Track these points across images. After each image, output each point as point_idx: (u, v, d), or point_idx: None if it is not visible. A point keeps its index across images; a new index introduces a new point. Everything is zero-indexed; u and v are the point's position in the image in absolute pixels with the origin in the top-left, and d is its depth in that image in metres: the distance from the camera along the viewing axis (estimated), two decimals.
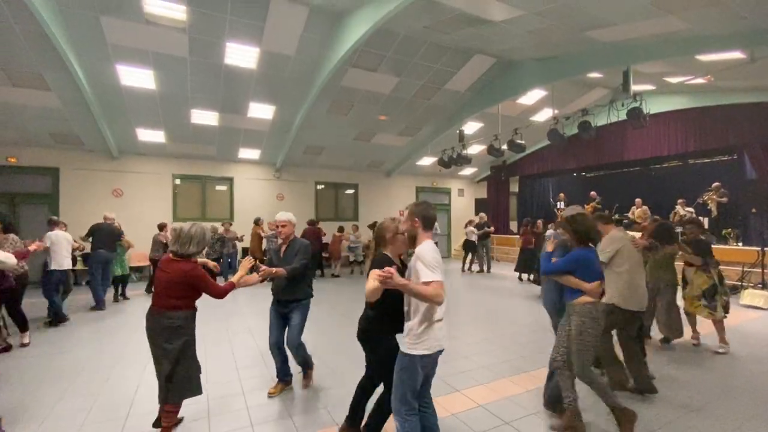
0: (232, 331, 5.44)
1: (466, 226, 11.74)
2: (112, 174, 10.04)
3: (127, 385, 3.59)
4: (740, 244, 8.78)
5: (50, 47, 5.76)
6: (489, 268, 11.39)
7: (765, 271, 7.25)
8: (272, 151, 11.14)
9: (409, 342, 2.13)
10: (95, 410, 3.14)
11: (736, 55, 6.30)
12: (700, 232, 4.81)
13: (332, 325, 5.83)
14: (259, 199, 11.97)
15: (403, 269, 2.42)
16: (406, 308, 2.24)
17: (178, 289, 2.60)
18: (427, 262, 2.07)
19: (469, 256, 11.44)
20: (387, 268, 1.93)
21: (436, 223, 2.53)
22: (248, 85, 7.90)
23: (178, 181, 11.02)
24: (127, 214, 9.42)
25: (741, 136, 8.99)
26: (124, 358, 4.31)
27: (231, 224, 10.06)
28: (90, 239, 6.90)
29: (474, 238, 11.23)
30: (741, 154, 9.60)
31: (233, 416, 3.06)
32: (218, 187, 11.64)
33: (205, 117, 8.96)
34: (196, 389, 2.69)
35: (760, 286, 7.15)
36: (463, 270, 11.36)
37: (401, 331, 2.29)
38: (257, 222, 10.05)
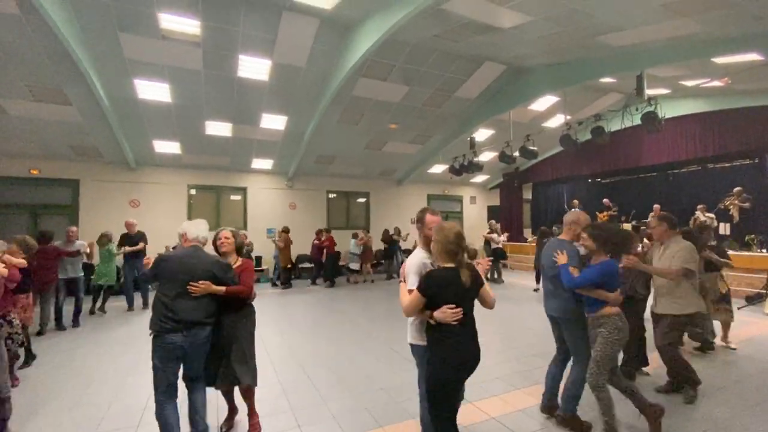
0: None
1: (489, 233, 11.39)
2: (129, 185, 10.31)
3: (140, 393, 3.62)
4: (764, 250, 8.46)
5: (71, 63, 5.99)
6: (500, 275, 11.08)
7: None
8: (284, 160, 11.29)
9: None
10: (108, 419, 3.18)
11: (753, 56, 6.14)
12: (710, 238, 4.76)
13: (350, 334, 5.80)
14: (272, 209, 12.11)
15: None
16: None
17: None
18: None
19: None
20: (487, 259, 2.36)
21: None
22: (260, 96, 8.05)
23: (193, 192, 11.23)
24: (143, 224, 9.56)
25: (762, 139, 8.72)
26: (140, 365, 4.36)
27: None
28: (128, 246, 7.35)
29: (500, 244, 11.02)
30: (762, 157, 9.32)
31: (240, 428, 3.05)
32: (232, 197, 11.82)
33: (218, 128, 9.15)
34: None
35: None
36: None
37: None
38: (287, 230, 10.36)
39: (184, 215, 10.88)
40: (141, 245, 7.46)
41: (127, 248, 7.38)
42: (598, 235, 2.75)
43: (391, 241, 11.50)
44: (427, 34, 6.65)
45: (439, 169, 13.53)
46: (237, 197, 11.87)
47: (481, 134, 11.22)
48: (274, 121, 9.15)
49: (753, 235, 8.89)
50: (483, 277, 2.20)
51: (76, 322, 6.13)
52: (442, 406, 2.10)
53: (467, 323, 2.10)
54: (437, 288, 2.06)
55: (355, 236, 11.28)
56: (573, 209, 12.59)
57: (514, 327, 6.07)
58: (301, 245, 11.41)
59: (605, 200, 12.10)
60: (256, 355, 2.96)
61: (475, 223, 15.42)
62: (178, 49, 6.50)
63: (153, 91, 7.49)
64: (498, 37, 6.57)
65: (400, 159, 12.48)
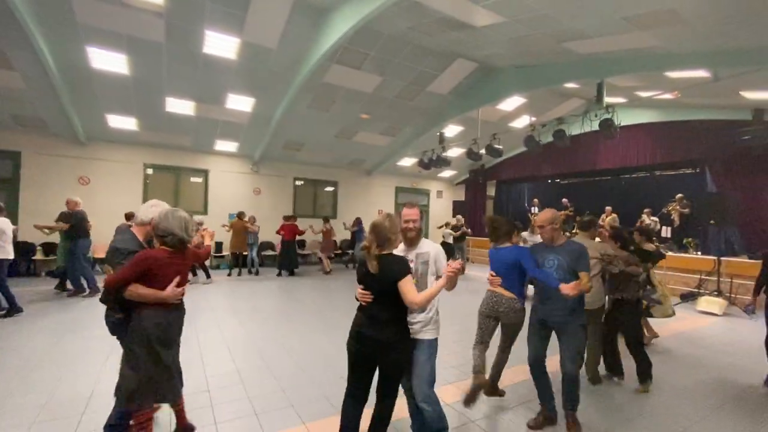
0: (199, 327, 5.31)
1: (441, 227, 11.86)
2: (78, 161, 9.60)
3: (86, 381, 3.44)
4: (699, 253, 9.25)
5: (14, 24, 5.44)
6: (463, 269, 11.48)
7: (720, 279, 7.67)
8: (250, 144, 10.93)
9: (431, 328, 2.39)
10: (49, 406, 3.00)
11: (702, 73, 6.64)
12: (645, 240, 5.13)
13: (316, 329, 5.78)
14: (235, 193, 11.72)
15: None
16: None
17: None
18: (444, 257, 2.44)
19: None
20: (460, 261, 2.19)
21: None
22: (227, 75, 7.72)
23: (149, 171, 10.64)
24: (93, 203, 9.00)
25: (704, 151, 9.48)
26: (87, 352, 4.13)
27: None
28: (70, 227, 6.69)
29: (450, 240, 11.36)
30: (703, 168, 10.12)
31: (196, 414, 2.98)
32: (193, 179, 11.32)
33: (180, 106, 8.69)
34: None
35: (715, 293, 7.56)
36: None
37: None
38: (241, 216, 9.99)
39: (139, 195, 10.30)
40: (60, 225, 6.73)
41: (48, 226, 6.77)
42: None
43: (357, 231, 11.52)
44: (402, 26, 6.63)
45: (408, 162, 13.64)
46: (198, 179, 11.37)
47: (451, 130, 11.39)
48: (240, 102, 8.81)
49: (690, 239, 9.69)
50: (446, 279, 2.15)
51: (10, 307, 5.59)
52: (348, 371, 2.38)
53: (368, 307, 2.26)
54: (358, 267, 2.38)
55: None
56: (534, 209, 13.16)
57: (471, 319, 6.30)
58: (266, 232, 11.17)
59: (564, 200, 12.72)
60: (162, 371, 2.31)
61: (441, 216, 15.73)
62: (139, 17, 6.08)
63: (108, 60, 6.97)
64: (471, 35, 6.67)
65: (370, 150, 12.45)
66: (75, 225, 6.74)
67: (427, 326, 2.38)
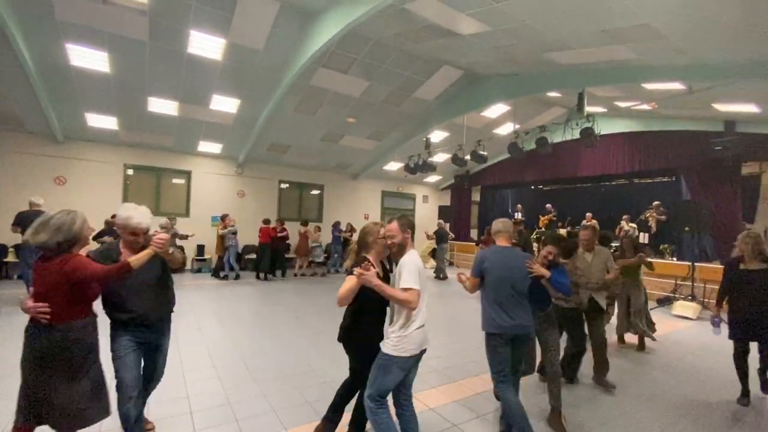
0: (179, 331, 5.19)
1: (429, 238, 11.84)
2: (55, 159, 9.30)
3: None
4: (674, 258, 9.56)
5: None
6: (444, 274, 11.50)
7: (695, 284, 7.93)
8: (235, 145, 10.80)
9: (390, 344, 2.30)
10: None
11: (677, 86, 6.90)
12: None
13: (293, 328, 5.72)
14: (218, 195, 11.54)
15: (385, 274, 2.60)
16: (390, 313, 2.43)
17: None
18: (410, 270, 2.28)
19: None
20: (366, 264, 2.18)
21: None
22: (212, 76, 7.63)
23: (130, 172, 10.40)
24: (69, 204, 8.62)
25: (679, 160, 9.82)
26: None
27: (174, 218, 9.02)
28: (19, 229, 6.28)
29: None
30: (679, 176, 10.48)
31: (175, 421, 2.92)
32: (175, 181, 11.10)
33: (163, 106, 8.53)
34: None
35: (690, 298, 7.80)
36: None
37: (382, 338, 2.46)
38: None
39: (118, 196, 10.04)
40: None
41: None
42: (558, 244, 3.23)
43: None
44: (389, 32, 6.68)
45: (394, 166, 13.70)
46: (180, 181, 11.16)
47: (437, 135, 11.51)
48: (225, 104, 8.71)
49: (666, 245, 10.01)
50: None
51: None
52: None
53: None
54: None
55: (317, 229, 11.10)
56: (518, 214, 13.37)
57: (455, 322, 6.35)
58: (249, 235, 11.03)
59: (548, 205, 13.01)
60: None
61: (427, 221, 15.82)
62: (121, 15, 5.96)
63: (88, 58, 6.80)
64: (457, 43, 6.77)
65: (356, 153, 12.45)
66: (21, 227, 6.04)
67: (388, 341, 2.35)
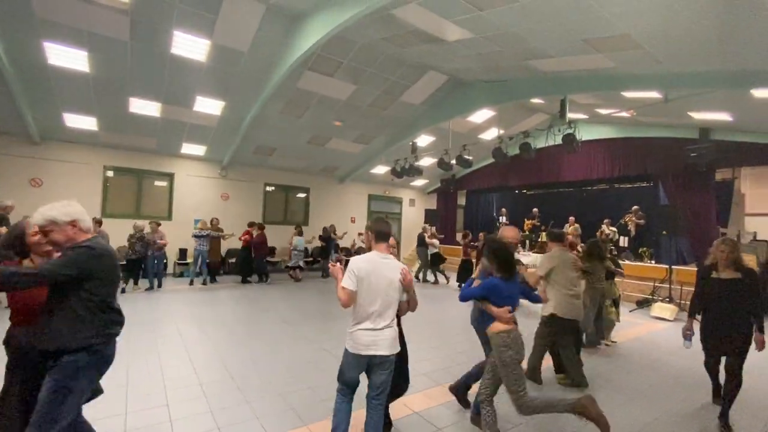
0: (160, 339, 5.08)
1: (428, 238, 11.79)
2: (30, 161, 9.00)
3: None
4: (653, 261, 9.83)
5: None
6: (425, 278, 11.56)
7: (672, 286, 8.17)
8: (219, 148, 10.64)
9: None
10: None
11: (654, 94, 7.13)
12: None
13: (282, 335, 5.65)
14: (201, 198, 11.35)
15: None
16: None
17: None
18: (348, 269, 2.41)
19: (418, 268, 11.62)
20: (337, 256, 2.22)
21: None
22: (196, 77, 7.52)
23: (110, 174, 10.14)
24: None
25: (656, 166, 10.13)
26: None
27: (159, 224, 8.99)
28: None
29: (436, 249, 11.42)
30: (656, 182, 10.80)
31: (155, 430, 2.85)
32: (157, 183, 10.88)
33: (145, 107, 8.35)
34: None
35: (667, 300, 8.03)
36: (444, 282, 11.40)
37: None
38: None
39: (98, 199, 9.79)
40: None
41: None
42: (488, 253, 2.77)
43: (328, 239, 11.43)
44: (375, 36, 6.72)
45: (381, 170, 13.72)
46: (162, 183, 10.94)
47: (423, 140, 11.58)
48: (209, 105, 8.58)
49: (645, 248, 10.29)
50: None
51: None
52: None
53: None
54: None
55: (300, 233, 10.90)
56: (503, 218, 13.55)
57: (440, 326, 6.38)
58: (234, 238, 10.86)
59: (534, 210, 13.24)
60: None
61: (414, 224, 15.88)
62: (102, 14, 5.82)
63: (67, 57, 6.61)
64: (442, 49, 6.85)
65: (343, 157, 12.43)
66: None
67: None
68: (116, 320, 2.13)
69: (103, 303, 2.03)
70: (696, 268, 8.59)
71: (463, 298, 2.86)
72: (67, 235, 2.05)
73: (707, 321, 3.38)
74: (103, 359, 2.07)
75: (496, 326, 2.65)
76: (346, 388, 2.49)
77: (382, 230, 2.53)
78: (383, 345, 2.37)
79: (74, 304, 1.94)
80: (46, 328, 1.93)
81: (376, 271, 2.39)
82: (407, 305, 2.63)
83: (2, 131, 8.55)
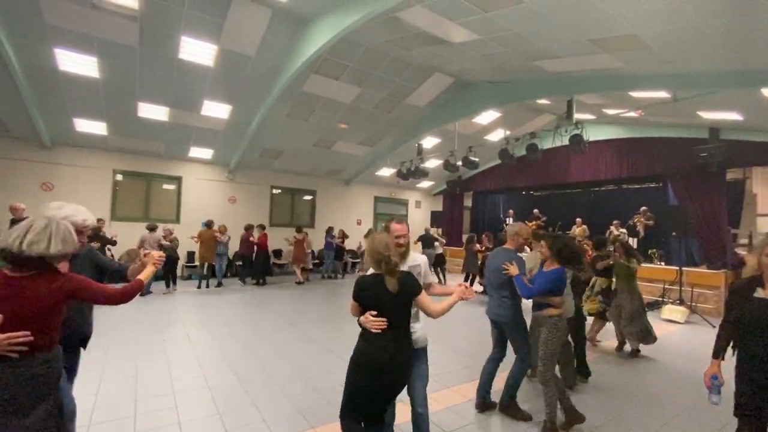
0: (168, 340, 5.12)
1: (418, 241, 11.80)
2: (42, 165, 9.15)
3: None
4: (662, 263, 9.70)
5: None
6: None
7: (682, 288, 8.05)
8: (226, 151, 10.73)
9: (425, 336, 2.58)
10: None
11: (662, 94, 7.05)
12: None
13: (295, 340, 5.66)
14: (209, 201, 11.44)
15: None
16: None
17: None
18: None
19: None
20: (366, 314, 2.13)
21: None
22: (203, 82, 7.60)
23: (119, 177, 10.27)
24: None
25: (665, 167, 10.00)
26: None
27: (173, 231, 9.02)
28: None
29: (440, 250, 11.38)
30: (665, 182, 10.67)
31: None
32: (165, 186, 10.99)
33: (153, 111, 8.45)
34: None
35: (678, 302, 7.91)
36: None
37: None
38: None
39: (107, 202, 9.91)
40: None
41: None
42: (553, 245, 3.15)
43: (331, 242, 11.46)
44: (380, 39, 6.74)
45: (387, 172, 13.73)
46: (170, 186, 11.05)
47: (428, 142, 11.57)
48: (216, 110, 8.67)
49: (654, 250, 10.16)
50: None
51: None
52: (350, 406, 2.15)
53: (391, 331, 2.09)
54: (361, 293, 2.18)
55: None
56: (510, 220, 13.49)
57: (447, 328, 6.35)
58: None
59: (535, 210, 13.14)
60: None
61: (420, 226, 15.84)
62: (111, 21, 5.92)
63: (77, 63, 6.72)
64: (447, 51, 6.85)
65: (348, 159, 12.46)
66: None
67: (424, 334, 2.52)
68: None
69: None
70: (707, 269, 8.55)
71: (531, 295, 3.12)
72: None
73: (745, 365, 2.14)
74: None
75: (551, 311, 3.08)
76: None
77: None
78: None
79: None
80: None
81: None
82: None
83: (14, 136, 8.70)
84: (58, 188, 9.31)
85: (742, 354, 2.18)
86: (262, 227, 10.47)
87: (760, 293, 2.10)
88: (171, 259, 8.57)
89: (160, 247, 8.37)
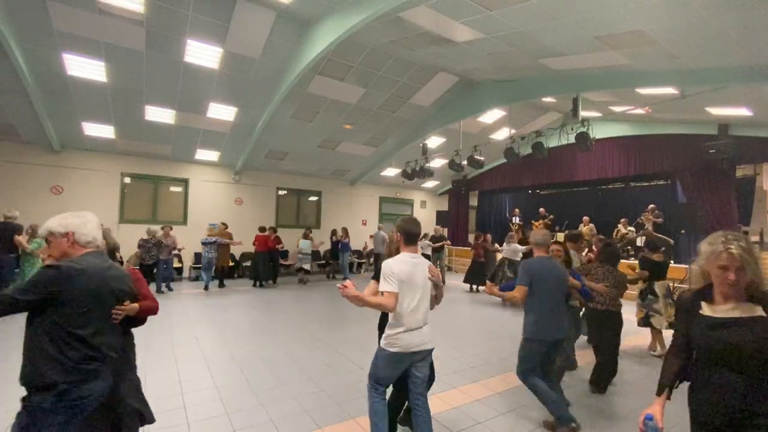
0: (176, 342, 5.16)
1: (420, 239, 11.84)
2: (51, 169, 9.29)
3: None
4: (671, 261, 9.56)
5: None
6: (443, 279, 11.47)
7: (692, 287, 7.93)
8: (232, 153, 10.81)
9: (382, 340, 2.46)
10: None
11: (670, 90, 6.97)
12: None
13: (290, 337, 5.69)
14: (215, 203, 11.53)
15: None
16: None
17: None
18: (385, 274, 2.34)
19: None
20: (346, 281, 2.17)
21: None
22: (209, 84, 7.66)
23: (127, 180, 10.39)
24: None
25: (674, 164, 9.89)
26: None
27: (171, 228, 9.10)
28: None
29: (429, 251, 11.36)
30: (674, 179, 10.55)
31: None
32: (172, 189, 11.10)
33: (160, 114, 8.55)
34: None
35: None
36: None
37: None
38: None
39: (116, 205, 10.03)
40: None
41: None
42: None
43: (336, 243, 11.46)
44: (384, 39, 6.74)
45: (392, 172, 13.73)
46: (177, 189, 11.15)
47: (433, 141, 11.56)
48: (222, 112, 8.74)
49: (663, 248, 10.02)
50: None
51: None
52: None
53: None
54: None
55: (305, 236, 10.95)
56: (516, 219, 13.39)
57: (461, 326, 6.33)
58: (247, 242, 10.97)
59: (541, 209, 13.05)
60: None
61: (425, 226, 15.79)
62: (118, 25, 6.00)
63: (85, 68, 6.82)
64: (451, 50, 6.84)
65: (353, 160, 12.49)
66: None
67: (431, 335, 2.55)
68: (92, 356, 1.73)
69: (72, 335, 1.67)
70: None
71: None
72: (61, 249, 1.80)
73: (694, 403, 1.65)
74: (76, 401, 1.66)
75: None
76: (382, 387, 2.47)
77: (412, 231, 2.50)
78: (429, 339, 2.48)
79: (40, 336, 1.64)
80: (23, 362, 1.67)
81: (413, 271, 2.39)
82: (435, 299, 2.63)
83: (24, 140, 8.84)
84: (67, 191, 9.44)
85: (691, 388, 1.67)
86: (273, 229, 10.52)
87: (705, 310, 1.60)
88: (155, 263, 8.45)
89: (160, 245, 8.45)
